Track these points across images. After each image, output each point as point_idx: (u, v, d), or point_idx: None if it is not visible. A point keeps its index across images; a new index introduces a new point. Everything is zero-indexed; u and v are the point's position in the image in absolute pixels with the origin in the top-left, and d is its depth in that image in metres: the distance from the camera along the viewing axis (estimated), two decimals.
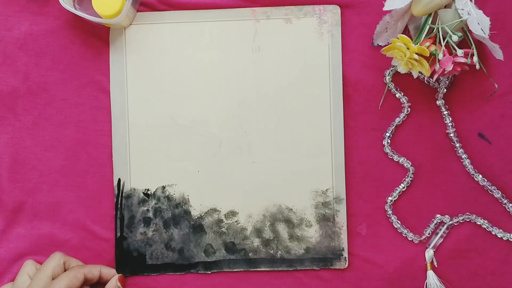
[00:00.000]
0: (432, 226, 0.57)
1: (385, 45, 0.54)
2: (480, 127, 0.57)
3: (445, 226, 0.57)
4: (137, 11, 0.57)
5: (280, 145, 0.57)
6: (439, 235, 0.57)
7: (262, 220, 0.57)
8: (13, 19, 0.57)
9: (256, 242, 0.57)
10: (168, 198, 0.57)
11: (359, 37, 0.57)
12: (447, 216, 0.57)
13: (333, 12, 0.57)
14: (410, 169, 0.56)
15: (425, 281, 0.57)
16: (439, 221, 0.57)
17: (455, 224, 0.57)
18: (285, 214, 0.57)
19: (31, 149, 0.57)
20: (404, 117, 0.57)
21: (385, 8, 0.52)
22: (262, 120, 0.57)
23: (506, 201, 0.56)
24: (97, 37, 0.57)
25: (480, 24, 0.51)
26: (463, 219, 0.57)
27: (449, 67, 0.51)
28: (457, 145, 0.57)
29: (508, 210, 0.56)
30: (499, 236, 0.56)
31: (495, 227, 0.56)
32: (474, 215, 0.57)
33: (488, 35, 0.51)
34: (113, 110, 0.57)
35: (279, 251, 0.57)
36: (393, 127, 0.57)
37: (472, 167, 0.56)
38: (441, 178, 0.57)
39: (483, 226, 0.56)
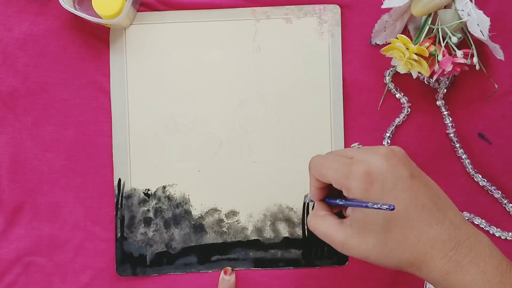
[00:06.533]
0: None
1: (384, 44, 0.55)
2: (480, 127, 0.57)
3: None
4: (137, 11, 0.57)
5: (280, 144, 0.57)
6: None
7: (263, 219, 0.57)
8: (13, 19, 0.57)
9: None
10: (169, 198, 0.57)
11: (359, 37, 0.57)
12: None
13: (333, 12, 0.57)
14: None
15: (425, 281, 0.57)
16: None
17: None
18: (286, 214, 0.57)
19: (31, 149, 0.57)
20: (404, 117, 0.57)
21: (383, 6, 0.52)
22: (262, 120, 0.57)
23: (506, 201, 0.56)
24: (97, 38, 0.57)
25: (479, 25, 0.51)
26: None
27: (449, 68, 0.51)
28: (457, 145, 0.57)
29: (508, 210, 0.57)
30: (497, 235, 0.56)
31: (492, 226, 0.57)
32: (472, 214, 0.57)
33: (488, 36, 0.51)
34: (114, 110, 0.57)
35: (280, 250, 0.57)
36: (393, 127, 0.57)
37: (472, 167, 0.57)
38: (441, 178, 0.57)
39: (481, 226, 0.57)
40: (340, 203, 0.44)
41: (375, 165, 0.41)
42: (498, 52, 0.52)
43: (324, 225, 0.44)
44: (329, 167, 0.44)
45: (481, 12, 0.51)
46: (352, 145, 0.49)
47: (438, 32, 0.52)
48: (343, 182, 0.42)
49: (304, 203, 0.57)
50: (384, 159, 0.42)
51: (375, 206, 0.39)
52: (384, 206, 0.38)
